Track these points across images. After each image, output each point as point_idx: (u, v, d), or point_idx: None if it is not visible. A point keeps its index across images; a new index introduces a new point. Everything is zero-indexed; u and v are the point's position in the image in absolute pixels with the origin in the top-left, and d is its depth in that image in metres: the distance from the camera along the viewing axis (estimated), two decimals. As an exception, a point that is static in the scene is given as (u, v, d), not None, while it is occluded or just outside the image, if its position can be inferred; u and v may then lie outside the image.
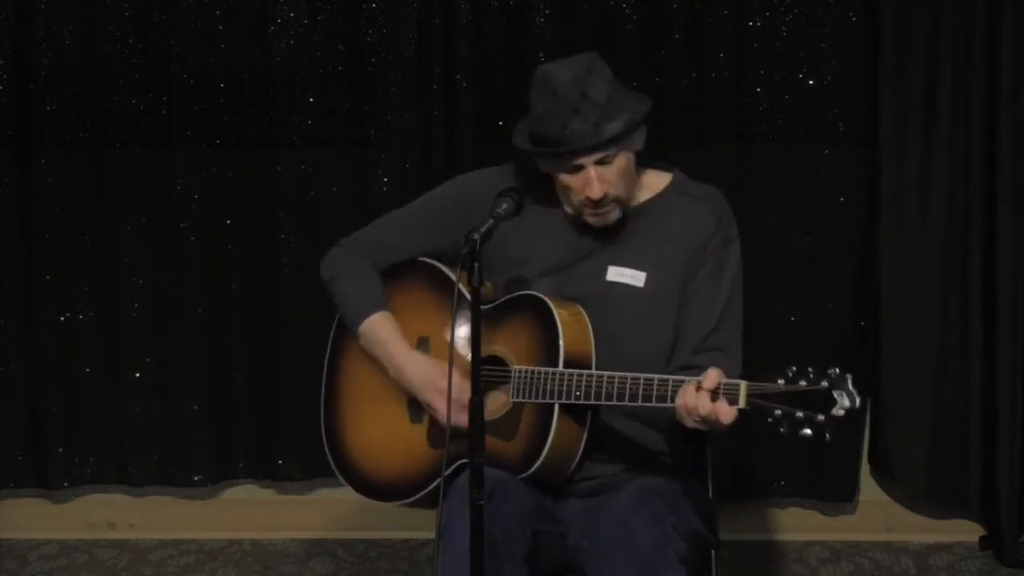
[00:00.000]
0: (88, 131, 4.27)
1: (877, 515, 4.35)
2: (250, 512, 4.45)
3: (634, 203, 3.10)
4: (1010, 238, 4.09)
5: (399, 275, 3.22)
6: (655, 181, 3.14)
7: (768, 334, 4.15)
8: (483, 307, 3.05)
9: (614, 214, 3.04)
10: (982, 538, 4.27)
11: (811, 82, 4.15)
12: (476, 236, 2.80)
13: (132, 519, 4.46)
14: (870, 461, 4.31)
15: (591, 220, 3.04)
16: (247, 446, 4.39)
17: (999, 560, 4.19)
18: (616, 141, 2.95)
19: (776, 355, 4.16)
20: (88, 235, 4.32)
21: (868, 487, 4.35)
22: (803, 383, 2.67)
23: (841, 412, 2.65)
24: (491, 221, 2.86)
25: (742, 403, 2.73)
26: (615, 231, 3.09)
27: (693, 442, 3.11)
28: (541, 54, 4.12)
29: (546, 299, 3.00)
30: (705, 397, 2.75)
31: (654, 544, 2.85)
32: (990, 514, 4.22)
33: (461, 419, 2.87)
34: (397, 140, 4.22)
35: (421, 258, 3.20)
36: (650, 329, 3.04)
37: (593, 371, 2.93)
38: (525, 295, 3.05)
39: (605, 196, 2.98)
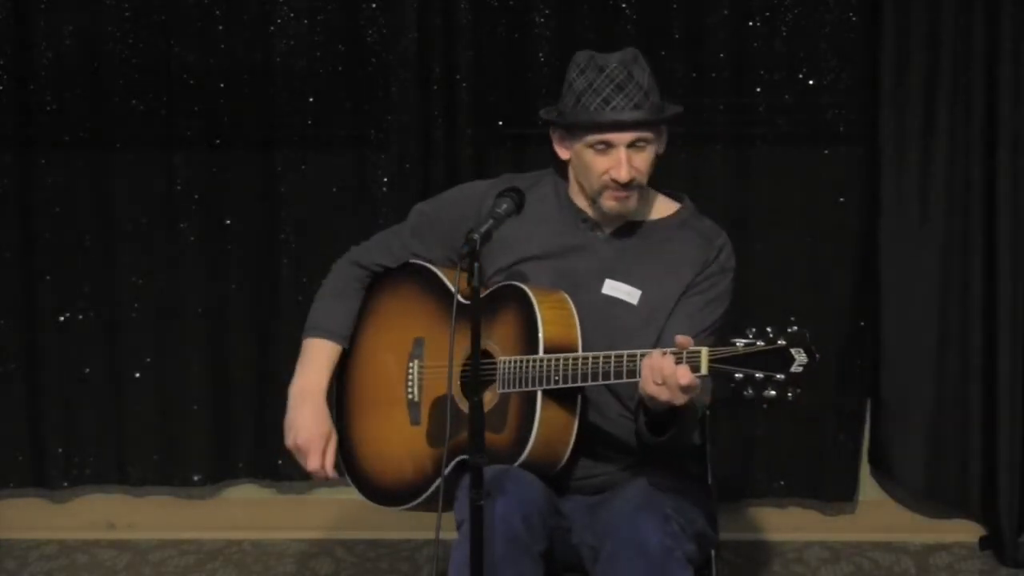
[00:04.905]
0: (88, 131, 4.26)
1: (877, 515, 4.35)
2: (250, 512, 4.45)
3: (640, 220, 3.12)
4: (1010, 238, 4.09)
5: (393, 279, 3.24)
6: (664, 206, 3.16)
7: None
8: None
9: (632, 200, 3.04)
10: (982, 538, 4.26)
11: (811, 82, 4.15)
12: (476, 236, 2.80)
13: (132, 519, 4.45)
14: (870, 461, 4.31)
15: (608, 204, 3.04)
16: (247, 446, 4.39)
17: (999, 560, 4.18)
18: (654, 124, 3.01)
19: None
20: (88, 235, 4.31)
21: (868, 487, 4.35)
22: (761, 343, 2.67)
23: (799, 369, 2.65)
24: (491, 221, 2.87)
25: (704, 369, 2.73)
26: (615, 246, 3.10)
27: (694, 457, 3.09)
28: (541, 54, 4.13)
29: (525, 288, 3.00)
30: (670, 359, 2.75)
31: (664, 546, 2.86)
32: (990, 514, 4.21)
33: (315, 463, 3.14)
34: (397, 140, 4.21)
35: (413, 260, 3.22)
36: (642, 336, 3.03)
37: (571, 354, 2.92)
38: (506, 286, 3.05)
39: (632, 180, 3.00)
